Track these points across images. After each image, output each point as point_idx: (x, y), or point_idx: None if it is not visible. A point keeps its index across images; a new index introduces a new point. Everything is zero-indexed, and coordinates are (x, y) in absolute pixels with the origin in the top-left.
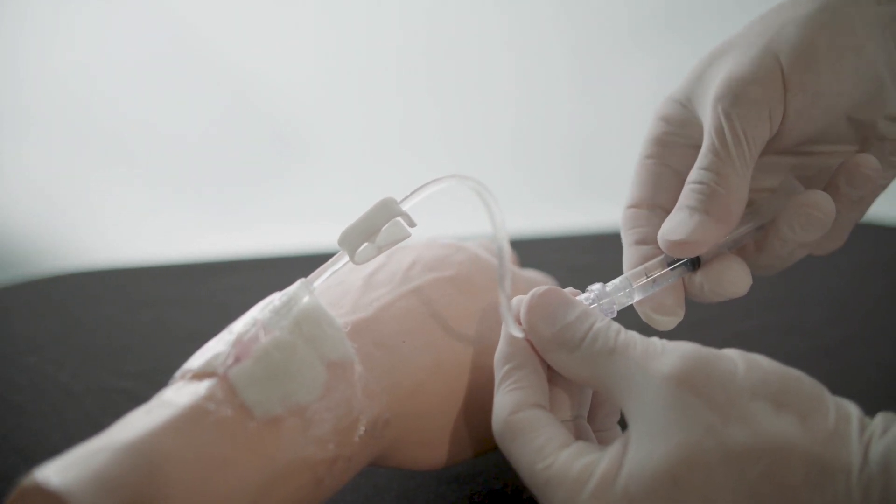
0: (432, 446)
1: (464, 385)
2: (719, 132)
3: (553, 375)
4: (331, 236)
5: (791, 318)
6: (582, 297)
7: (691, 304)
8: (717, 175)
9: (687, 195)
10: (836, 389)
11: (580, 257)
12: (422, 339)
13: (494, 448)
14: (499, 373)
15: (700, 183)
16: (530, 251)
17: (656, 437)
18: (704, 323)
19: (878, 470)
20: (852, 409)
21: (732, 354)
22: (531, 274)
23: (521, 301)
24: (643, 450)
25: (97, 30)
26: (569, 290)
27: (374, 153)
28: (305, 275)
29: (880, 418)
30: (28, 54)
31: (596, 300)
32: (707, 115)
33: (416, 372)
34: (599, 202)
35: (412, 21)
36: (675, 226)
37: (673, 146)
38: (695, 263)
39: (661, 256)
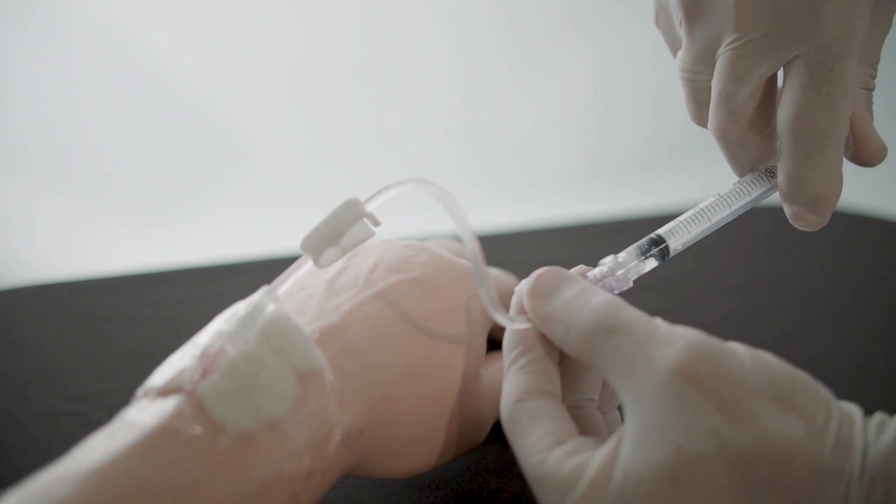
0: (407, 454)
1: (437, 388)
2: None
3: (564, 357)
4: (273, 241)
5: (752, 305)
6: (595, 271)
7: (653, 294)
8: None
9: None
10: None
11: (532, 253)
12: (390, 343)
13: (471, 450)
14: (507, 358)
15: None
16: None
17: (655, 435)
18: (668, 311)
19: (879, 476)
20: (855, 413)
21: (738, 349)
22: (494, 272)
23: (521, 289)
24: (640, 449)
25: (25, 40)
26: (579, 267)
27: (312, 156)
28: (253, 282)
29: (877, 419)
30: None
31: (610, 273)
32: None
33: (388, 377)
34: (547, 195)
35: (346, 18)
36: None
37: None
38: None
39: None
